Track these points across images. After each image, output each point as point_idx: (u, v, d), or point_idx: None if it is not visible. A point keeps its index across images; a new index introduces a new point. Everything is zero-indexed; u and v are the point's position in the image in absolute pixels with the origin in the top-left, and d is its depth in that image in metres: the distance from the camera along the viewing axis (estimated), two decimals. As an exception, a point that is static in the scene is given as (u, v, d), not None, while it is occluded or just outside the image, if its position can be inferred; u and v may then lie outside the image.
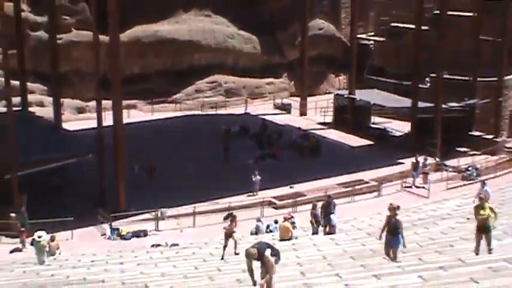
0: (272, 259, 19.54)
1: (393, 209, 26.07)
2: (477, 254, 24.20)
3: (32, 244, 39.27)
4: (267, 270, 19.52)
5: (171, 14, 73.99)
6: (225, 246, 30.55)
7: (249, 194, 49.81)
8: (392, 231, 25.57)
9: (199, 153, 57.41)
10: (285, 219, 38.22)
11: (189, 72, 74.80)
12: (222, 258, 30.10)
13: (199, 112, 72.48)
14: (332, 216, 36.39)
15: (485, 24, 61.65)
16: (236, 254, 30.31)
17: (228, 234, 30.83)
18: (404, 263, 24.13)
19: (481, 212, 24.45)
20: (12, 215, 43.71)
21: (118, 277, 28.25)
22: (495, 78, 61.39)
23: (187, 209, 46.74)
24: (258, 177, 49.97)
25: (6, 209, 44.19)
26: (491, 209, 24.64)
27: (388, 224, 25.69)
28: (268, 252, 19.61)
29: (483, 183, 40.89)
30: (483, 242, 24.29)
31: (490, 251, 24.16)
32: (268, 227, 42.47)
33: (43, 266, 33.76)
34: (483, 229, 24.34)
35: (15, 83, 53.23)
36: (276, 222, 42.01)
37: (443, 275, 20.56)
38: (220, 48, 75.54)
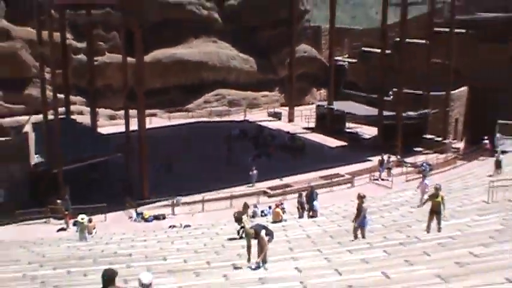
0: (266, 238, 19.64)
1: (360, 198, 26.29)
2: (428, 232, 24.48)
3: (74, 225, 39.53)
4: (262, 247, 19.64)
5: (185, 40, 73.98)
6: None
7: (248, 185, 49.91)
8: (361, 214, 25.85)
9: (207, 152, 57.36)
10: (277, 206, 38.32)
11: (199, 87, 74.77)
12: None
13: (207, 119, 72.35)
14: (315, 202, 36.53)
15: (435, 50, 61.73)
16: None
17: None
18: (372, 240, 24.24)
19: (435, 199, 24.73)
20: (58, 201, 43.88)
21: (142, 251, 28.32)
22: (443, 93, 61.62)
23: (198, 197, 46.72)
24: (255, 172, 49.98)
25: (53, 197, 44.37)
26: (442, 197, 24.94)
27: (357, 209, 25.93)
28: (263, 232, 19.71)
29: (423, 177, 40.90)
30: (434, 223, 24.53)
31: (439, 229, 24.42)
32: (263, 211, 42.54)
33: (83, 242, 33.83)
34: (435, 212, 24.63)
35: (61, 96, 53.23)
36: (269, 208, 42.20)
37: (403, 250, 20.69)
38: (224, 67, 75.50)
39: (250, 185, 49.91)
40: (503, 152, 59.64)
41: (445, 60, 60.94)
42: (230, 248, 26.39)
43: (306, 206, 37.61)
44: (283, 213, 37.32)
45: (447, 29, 62.22)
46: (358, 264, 18.71)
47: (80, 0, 53.27)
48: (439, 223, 24.73)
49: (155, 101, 67.22)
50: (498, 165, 46.23)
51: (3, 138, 47.11)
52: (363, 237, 25.56)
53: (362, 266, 18.21)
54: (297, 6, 76.09)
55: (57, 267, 23.21)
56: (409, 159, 57.37)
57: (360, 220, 25.78)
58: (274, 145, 60.86)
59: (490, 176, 44.41)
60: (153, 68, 67.37)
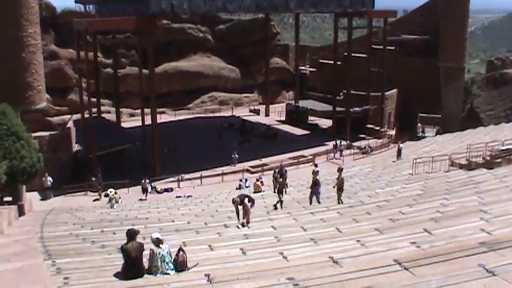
0: (249, 204, 19.77)
1: (314, 172, 26.59)
2: (338, 203, 24.78)
3: (105, 196, 39.44)
4: (246, 211, 19.77)
5: (186, 56, 73.62)
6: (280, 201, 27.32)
7: (231, 165, 49.77)
8: (316, 186, 26.13)
9: (203, 140, 57.27)
10: (257, 180, 38.45)
11: (197, 91, 74.41)
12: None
13: (203, 115, 72.18)
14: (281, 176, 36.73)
15: (373, 61, 62.00)
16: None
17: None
18: (328, 204, 24.44)
19: (340, 178, 25.29)
20: (93, 179, 43.80)
21: (156, 216, 28.36)
22: (379, 93, 61.94)
23: (197, 174, 46.81)
24: (236, 156, 49.99)
25: (89, 175, 44.30)
26: (342, 179, 25.57)
27: (313, 181, 26.24)
28: (246, 200, 19.85)
29: (315, 165, 41.05)
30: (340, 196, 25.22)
31: (341, 201, 24.91)
32: (246, 183, 42.77)
33: (112, 209, 33.89)
34: (341, 188, 25.19)
35: (94, 99, 52.96)
36: (246, 180, 42.58)
37: (351, 211, 20.91)
38: (215, 75, 75.21)
39: (232, 165, 49.86)
40: (423, 138, 60.44)
41: (380, 69, 61.18)
42: (222, 212, 26.53)
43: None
44: (262, 185, 37.44)
45: (381, 47, 62.50)
46: (318, 222, 18.90)
47: (107, 28, 52.90)
48: (339, 197, 25.28)
49: (164, 102, 66.91)
50: (399, 153, 46.94)
51: (52, 132, 47.03)
52: (318, 202, 25.82)
53: (321, 224, 18.39)
54: (270, 29, 75.99)
55: (93, 227, 23.27)
56: (355, 143, 57.64)
57: (317, 190, 26.13)
58: (254, 134, 60.92)
59: (394, 162, 44.96)
60: (162, 77, 67.04)
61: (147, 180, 43.24)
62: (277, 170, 37.99)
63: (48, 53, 59.31)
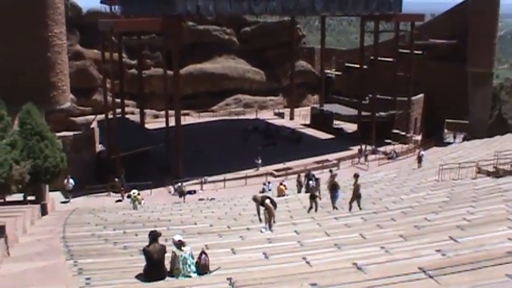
0: (271, 205, 19.77)
1: (332, 176, 26.42)
2: (350, 210, 24.47)
3: (128, 197, 39.62)
4: (269, 212, 19.76)
5: (210, 58, 73.79)
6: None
7: (254, 169, 49.73)
8: (334, 189, 25.87)
9: (227, 142, 57.44)
10: (281, 184, 38.45)
11: (221, 93, 74.57)
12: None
13: (228, 117, 72.32)
14: (310, 182, 36.53)
15: (399, 65, 61.67)
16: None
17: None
18: (352, 210, 24.32)
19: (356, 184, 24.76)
20: (116, 180, 44.08)
21: (178, 218, 28.40)
22: (406, 98, 61.55)
23: (220, 177, 46.88)
24: (260, 161, 49.91)
25: (112, 176, 44.58)
26: (358, 185, 24.88)
27: (331, 184, 25.96)
28: (268, 201, 19.85)
29: (309, 178, 40.55)
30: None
31: (360, 208, 24.39)
32: (269, 186, 42.77)
33: (134, 211, 34.02)
34: (358, 195, 24.68)
35: (118, 100, 53.36)
36: (269, 183, 42.48)
37: (376, 217, 20.78)
38: (240, 78, 75.31)
39: (256, 168, 49.86)
40: (449, 144, 59.95)
41: (406, 73, 60.83)
42: (245, 216, 26.51)
43: (304, 184, 37.72)
44: (285, 189, 37.40)
45: (408, 51, 62.14)
46: (342, 228, 18.81)
47: (133, 28, 53.31)
48: (358, 204, 24.78)
49: (188, 103, 67.13)
50: (419, 160, 46.34)
51: (76, 132, 47.43)
52: (334, 207, 25.60)
53: (345, 229, 18.30)
54: (296, 32, 75.88)
55: (116, 228, 23.42)
56: (380, 148, 57.38)
57: (335, 194, 25.84)
58: (279, 137, 60.85)
59: (414, 169, 44.60)
60: (187, 79, 67.25)
61: (183, 184, 43.45)
62: (302, 175, 37.94)
63: (73, 53, 59.87)
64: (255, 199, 20.54)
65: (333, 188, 26.08)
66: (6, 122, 24.34)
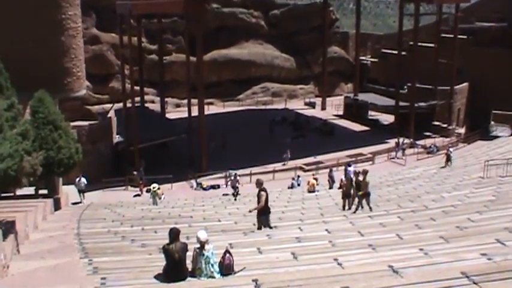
0: (263, 197, 19.75)
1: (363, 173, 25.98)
2: (357, 210, 24.18)
3: (147, 191, 39.89)
4: (258, 200, 19.82)
5: (236, 43, 73.88)
6: None
7: (282, 163, 49.81)
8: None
9: (253, 134, 57.43)
10: (314, 179, 38.44)
11: (248, 81, 74.68)
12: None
13: (254, 107, 72.35)
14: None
15: (442, 51, 61.00)
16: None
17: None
18: (388, 208, 24.16)
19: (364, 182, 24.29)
20: (134, 173, 44.39)
21: (201, 214, 28.51)
22: (448, 87, 60.93)
23: (246, 170, 46.93)
24: (289, 155, 49.90)
25: (130, 169, 44.88)
26: (367, 183, 24.42)
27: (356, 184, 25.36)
28: (263, 193, 19.83)
29: (348, 165, 40.24)
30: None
31: (370, 208, 24.11)
32: (298, 180, 42.76)
33: (154, 206, 34.21)
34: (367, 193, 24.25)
35: (137, 88, 53.69)
36: (299, 177, 42.53)
37: (413, 216, 20.60)
38: (268, 65, 75.27)
39: (283, 163, 49.85)
40: (496, 137, 59.22)
41: (449, 60, 60.20)
42: (272, 213, 26.40)
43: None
44: (317, 184, 37.35)
45: (452, 35, 61.44)
46: (376, 227, 18.69)
47: (153, 11, 53.53)
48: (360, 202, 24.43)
49: (212, 92, 67.26)
50: (448, 158, 45.44)
51: (92, 122, 47.75)
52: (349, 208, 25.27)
53: (380, 229, 18.18)
54: (328, 15, 75.53)
55: (134, 225, 23.55)
56: (420, 142, 56.94)
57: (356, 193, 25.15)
58: (309, 129, 60.73)
59: (442, 167, 43.99)
60: (211, 65, 67.50)
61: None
62: (333, 169, 37.78)
63: (89, 37, 60.32)
64: (258, 182, 20.51)
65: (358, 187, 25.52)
66: (17, 110, 24.45)
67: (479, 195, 25.43)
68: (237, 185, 41.35)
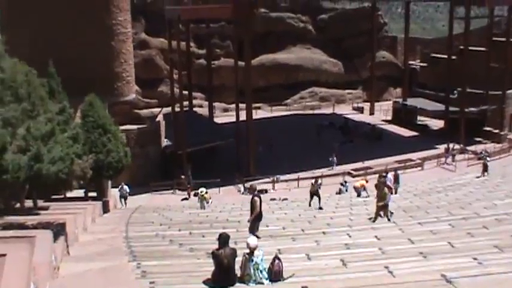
0: (257, 201, 19.55)
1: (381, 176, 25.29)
2: (375, 220, 23.52)
3: (195, 195, 40.01)
4: (251, 207, 19.67)
5: (284, 47, 73.94)
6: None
7: (329, 168, 49.49)
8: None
9: (301, 138, 57.28)
10: (366, 181, 38.14)
11: (295, 85, 74.64)
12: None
13: (302, 112, 72.19)
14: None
15: (494, 55, 60.00)
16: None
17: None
18: (438, 215, 23.76)
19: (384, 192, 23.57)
20: (182, 177, 44.64)
21: (249, 219, 28.43)
22: (500, 92, 59.89)
23: (294, 175, 46.78)
24: (335, 159, 49.67)
25: (178, 173, 45.13)
26: (386, 193, 23.73)
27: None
28: (256, 198, 19.63)
29: (386, 173, 38.95)
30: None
31: (388, 219, 23.36)
32: (346, 185, 42.39)
33: (202, 210, 34.29)
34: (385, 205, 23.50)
35: (185, 92, 54.05)
36: (346, 182, 42.29)
37: (465, 224, 20.24)
38: (316, 69, 75.12)
39: (330, 167, 49.54)
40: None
41: (501, 64, 59.16)
42: (320, 218, 26.28)
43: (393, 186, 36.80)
44: (364, 189, 36.97)
45: (504, 39, 60.36)
46: (427, 234, 18.39)
47: (201, 16, 53.89)
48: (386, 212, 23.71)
49: (260, 96, 67.34)
50: (485, 168, 44.16)
51: (141, 126, 48.16)
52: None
53: (430, 236, 17.89)
54: (377, 20, 75.04)
55: (181, 228, 23.61)
56: (470, 148, 56.10)
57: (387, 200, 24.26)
58: (357, 134, 60.34)
59: (478, 177, 42.87)
60: (259, 70, 67.57)
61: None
62: (384, 174, 37.25)
63: (139, 42, 61.01)
64: (251, 188, 20.46)
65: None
66: (68, 114, 24.87)
67: (534, 203, 24.89)
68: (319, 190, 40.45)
